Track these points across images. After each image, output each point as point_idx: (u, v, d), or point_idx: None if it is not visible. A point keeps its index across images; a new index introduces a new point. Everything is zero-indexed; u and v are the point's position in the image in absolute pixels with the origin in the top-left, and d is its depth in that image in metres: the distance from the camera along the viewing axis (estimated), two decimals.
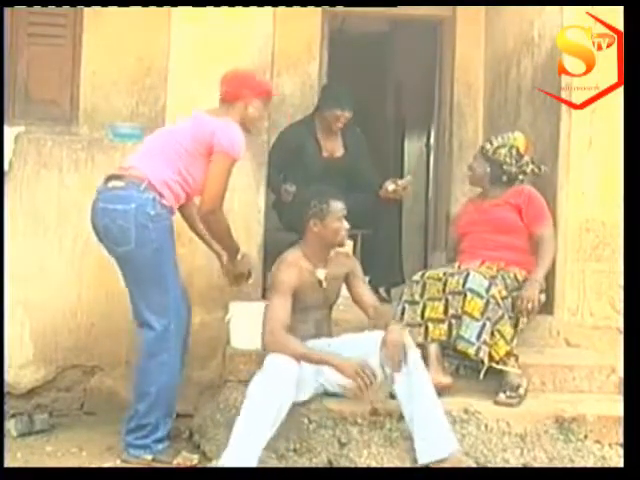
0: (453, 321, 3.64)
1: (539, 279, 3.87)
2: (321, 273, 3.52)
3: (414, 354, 3.33)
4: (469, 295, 3.60)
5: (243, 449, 3.10)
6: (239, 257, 3.68)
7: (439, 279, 3.74)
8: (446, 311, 3.67)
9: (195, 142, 3.43)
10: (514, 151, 4.05)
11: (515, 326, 3.73)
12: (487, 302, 3.60)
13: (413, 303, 3.76)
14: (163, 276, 3.41)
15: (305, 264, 3.49)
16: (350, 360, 3.27)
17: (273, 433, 3.16)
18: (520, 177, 4.09)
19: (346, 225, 3.51)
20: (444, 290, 3.70)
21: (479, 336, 3.56)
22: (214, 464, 3.24)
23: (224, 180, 3.42)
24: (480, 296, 3.60)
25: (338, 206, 3.50)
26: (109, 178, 3.48)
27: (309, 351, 3.31)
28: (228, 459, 3.10)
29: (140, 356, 3.49)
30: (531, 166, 4.08)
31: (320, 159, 4.77)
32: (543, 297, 3.98)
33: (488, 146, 4.12)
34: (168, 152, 3.44)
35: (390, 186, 4.65)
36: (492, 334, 3.59)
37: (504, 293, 3.70)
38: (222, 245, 3.65)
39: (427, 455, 3.22)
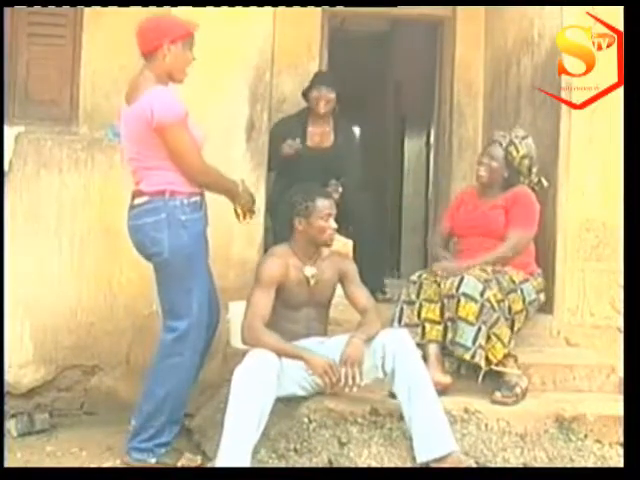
0: (449, 324, 3.63)
1: (471, 264, 3.76)
2: (309, 271, 3.49)
3: (414, 354, 3.32)
4: (463, 300, 3.58)
5: (234, 447, 3.09)
6: (240, 189, 3.52)
7: (435, 280, 3.73)
8: (442, 314, 3.66)
9: (142, 133, 3.29)
10: (532, 162, 4.03)
11: (511, 327, 3.72)
12: (482, 306, 3.57)
13: (410, 303, 3.74)
14: (190, 282, 3.36)
15: (293, 260, 3.47)
16: (321, 357, 3.27)
17: (263, 427, 3.14)
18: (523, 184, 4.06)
19: (333, 224, 3.47)
20: (439, 292, 3.69)
21: (475, 340, 3.54)
22: (214, 464, 3.24)
23: (187, 146, 3.29)
24: (474, 300, 3.57)
25: (324, 204, 3.45)
26: (132, 196, 3.43)
27: (285, 345, 3.30)
28: (221, 458, 3.10)
29: (155, 357, 3.46)
30: (537, 179, 4.07)
31: (303, 148, 4.70)
32: (543, 297, 3.99)
33: (515, 154, 3.98)
34: (145, 157, 3.34)
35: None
36: (488, 338, 3.57)
37: (499, 296, 3.67)
38: (222, 192, 3.51)
39: (425, 453, 3.21)
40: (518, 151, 4.01)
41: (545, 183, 4.09)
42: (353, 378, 3.24)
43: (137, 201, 3.41)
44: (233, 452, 3.09)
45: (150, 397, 3.42)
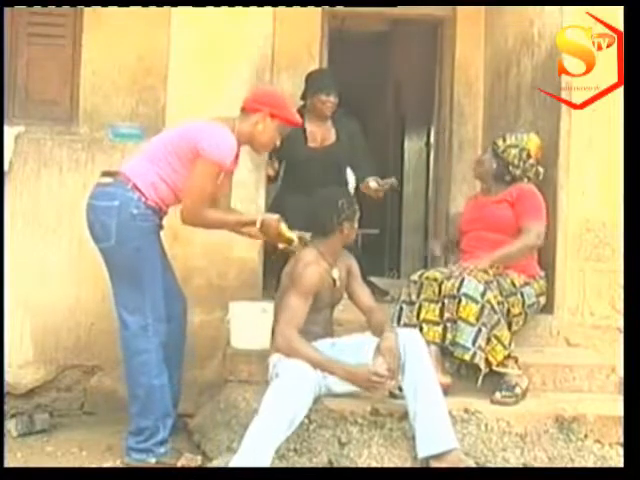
0: (448, 324, 3.62)
1: (491, 259, 3.79)
2: (335, 272, 3.52)
3: (424, 353, 3.34)
4: (464, 300, 3.57)
5: (256, 454, 3.04)
6: (258, 226, 3.47)
7: (435, 280, 3.71)
8: (442, 314, 3.65)
9: (181, 144, 3.37)
10: (524, 154, 4.02)
11: (509, 330, 3.70)
12: (482, 307, 3.57)
13: (410, 303, 3.73)
14: (140, 275, 3.38)
15: (323, 264, 3.48)
16: (358, 369, 3.27)
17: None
18: (523, 180, 4.04)
19: None
20: (440, 292, 3.67)
21: (474, 341, 3.54)
22: (215, 464, 3.24)
23: (205, 186, 3.33)
24: (475, 301, 3.57)
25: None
26: (102, 174, 3.49)
27: (322, 358, 3.29)
28: (240, 462, 3.05)
29: (123, 356, 3.47)
30: (534, 169, 4.05)
31: (304, 149, 4.64)
32: (543, 299, 3.98)
33: (500, 143, 4.07)
34: (155, 155, 3.41)
35: (372, 183, 4.56)
36: (489, 339, 3.57)
37: (499, 298, 3.68)
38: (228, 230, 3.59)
39: (426, 449, 3.22)
40: (505, 141, 4.08)
41: (541, 170, 4.07)
42: (397, 368, 3.27)
43: (102, 180, 3.45)
44: (254, 458, 3.03)
45: (134, 399, 3.43)
